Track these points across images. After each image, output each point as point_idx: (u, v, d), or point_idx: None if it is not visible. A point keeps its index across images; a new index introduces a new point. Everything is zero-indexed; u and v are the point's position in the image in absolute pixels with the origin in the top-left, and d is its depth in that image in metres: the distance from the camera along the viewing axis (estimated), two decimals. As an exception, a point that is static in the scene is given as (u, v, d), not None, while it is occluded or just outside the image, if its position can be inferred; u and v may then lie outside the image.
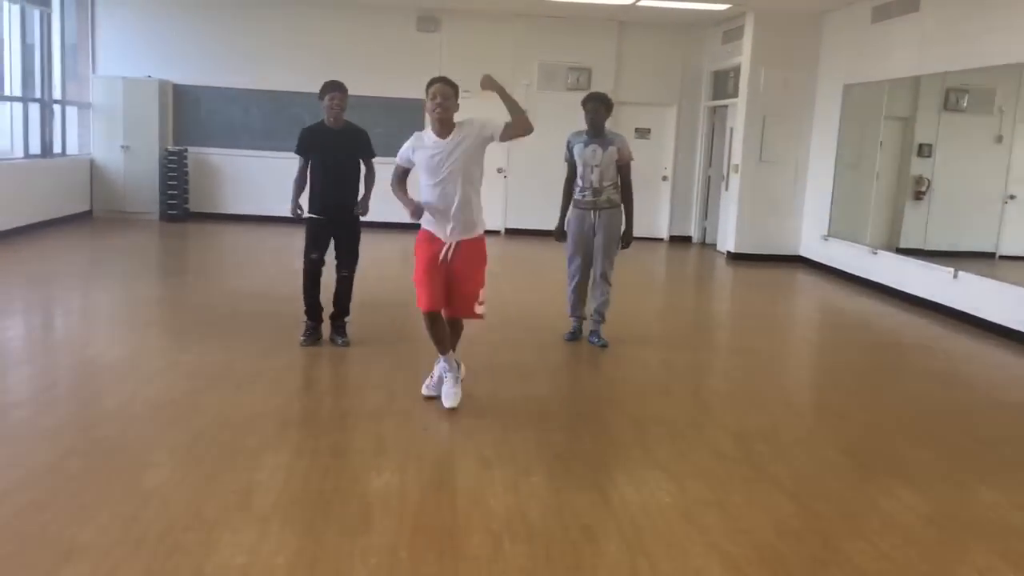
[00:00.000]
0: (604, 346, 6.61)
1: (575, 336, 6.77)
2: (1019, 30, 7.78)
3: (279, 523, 3.48)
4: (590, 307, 6.73)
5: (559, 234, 6.77)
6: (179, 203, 12.84)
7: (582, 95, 6.62)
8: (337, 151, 6.04)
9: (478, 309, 5.00)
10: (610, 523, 3.63)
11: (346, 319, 6.39)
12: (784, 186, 12.00)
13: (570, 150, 6.52)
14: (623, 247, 6.58)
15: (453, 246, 4.84)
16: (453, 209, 4.79)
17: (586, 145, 6.41)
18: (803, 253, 11.92)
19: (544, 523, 3.60)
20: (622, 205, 6.52)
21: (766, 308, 9.28)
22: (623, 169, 6.40)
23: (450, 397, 5.01)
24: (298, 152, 6.15)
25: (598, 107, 6.33)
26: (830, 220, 11.22)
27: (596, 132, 6.39)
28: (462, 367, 5.21)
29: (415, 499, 3.76)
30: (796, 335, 8.39)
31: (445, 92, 4.72)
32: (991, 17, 8.20)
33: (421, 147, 4.85)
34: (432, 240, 4.89)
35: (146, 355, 5.99)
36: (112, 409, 4.81)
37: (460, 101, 4.85)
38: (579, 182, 6.52)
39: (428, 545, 3.36)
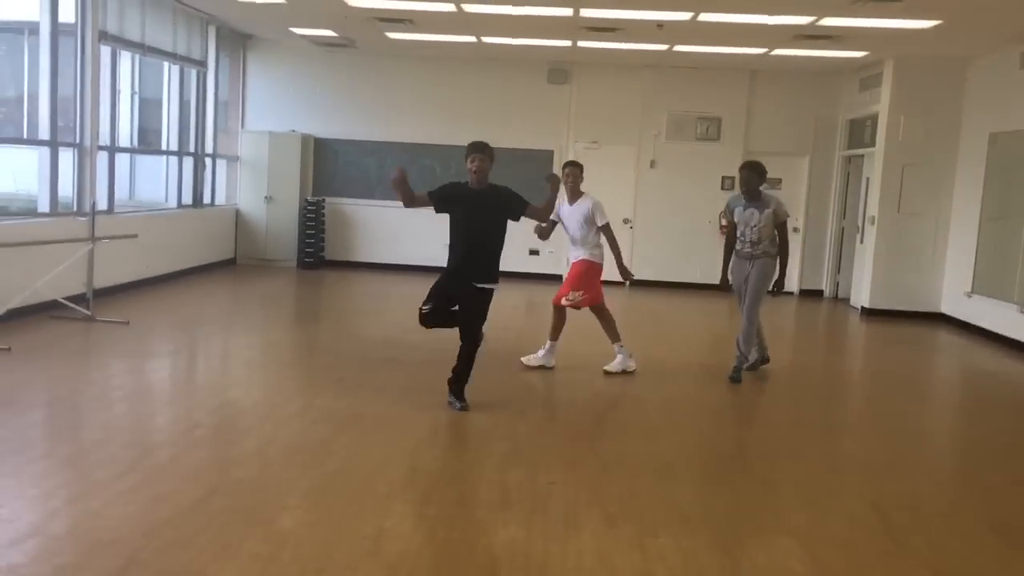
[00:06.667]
0: (735, 380, 7.11)
1: (753, 367, 7.43)
2: None
3: (407, 572, 3.54)
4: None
5: (723, 284, 7.48)
6: (315, 251, 13.39)
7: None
8: (476, 211, 5.78)
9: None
10: (739, 590, 3.53)
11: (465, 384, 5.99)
12: (924, 239, 11.51)
13: (730, 211, 7.25)
14: (776, 291, 7.28)
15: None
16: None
17: (744, 208, 7.08)
18: (944, 310, 11.36)
19: (671, 587, 3.53)
20: (777, 256, 7.14)
21: (904, 368, 8.87)
22: (780, 227, 7.04)
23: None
24: (431, 196, 5.94)
25: (749, 175, 7.03)
26: (974, 276, 10.66)
27: (751, 196, 7.04)
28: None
29: (540, 554, 3.76)
30: (937, 398, 7.98)
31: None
32: None
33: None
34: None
35: (283, 398, 6.24)
36: (251, 450, 5.02)
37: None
38: (740, 237, 7.17)
39: (553, 603, 3.34)
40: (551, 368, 7.23)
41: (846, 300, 12.86)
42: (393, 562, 3.61)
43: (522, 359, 7.30)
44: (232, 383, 6.79)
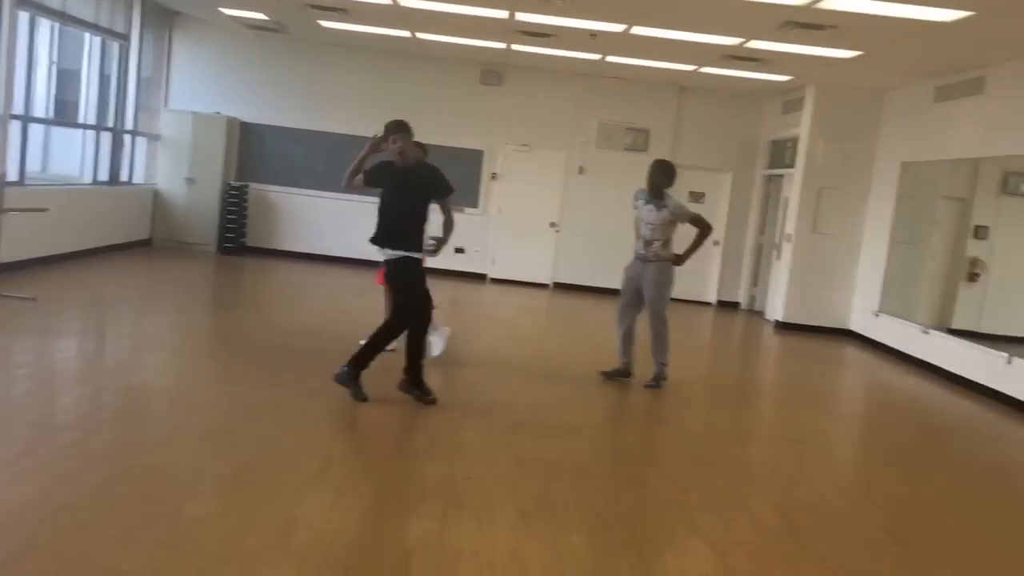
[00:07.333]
0: (654, 386, 7.10)
1: (611, 375, 7.25)
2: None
3: (317, 563, 3.49)
4: (654, 355, 7.18)
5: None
6: (236, 237, 13.10)
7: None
8: (399, 186, 5.87)
9: None
10: (648, 589, 3.58)
11: (420, 375, 5.99)
12: (837, 258, 11.90)
13: (634, 202, 7.24)
14: (676, 263, 7.05)
15: None
16: None
17: (645, 203, 7.10)
18: (853, 327, 11.77)
19: (581, 583, 3.57)
20: (671, 260, 7.04)
21: (813, 380, 9.16)
22: (694, 223, 7.00)
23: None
24: (366, 175, 6.04)
25: (656, 173, 7.05)
26: (882, 296, 11.09)
27: (654, 194, 7.05)
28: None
29: (453, 548, 3.75)
30: (842, 410, 8.26)
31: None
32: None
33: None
34: None
35: (195, 384, 6.09)
36: (160, 436, 4.89)
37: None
38: (636, 234, 7.16)
39: (464, 596, 3.34)
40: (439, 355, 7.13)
41: (761, 313, 13.20)
42: (303, 553, 3.56)
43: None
44: (143, 366, 6.59)
